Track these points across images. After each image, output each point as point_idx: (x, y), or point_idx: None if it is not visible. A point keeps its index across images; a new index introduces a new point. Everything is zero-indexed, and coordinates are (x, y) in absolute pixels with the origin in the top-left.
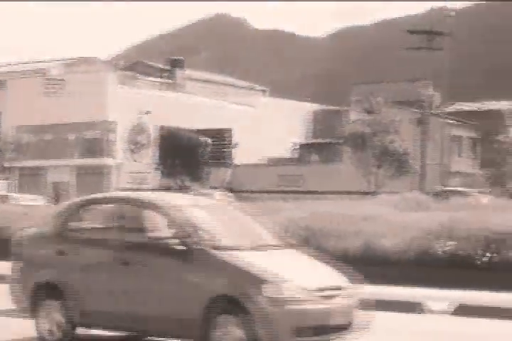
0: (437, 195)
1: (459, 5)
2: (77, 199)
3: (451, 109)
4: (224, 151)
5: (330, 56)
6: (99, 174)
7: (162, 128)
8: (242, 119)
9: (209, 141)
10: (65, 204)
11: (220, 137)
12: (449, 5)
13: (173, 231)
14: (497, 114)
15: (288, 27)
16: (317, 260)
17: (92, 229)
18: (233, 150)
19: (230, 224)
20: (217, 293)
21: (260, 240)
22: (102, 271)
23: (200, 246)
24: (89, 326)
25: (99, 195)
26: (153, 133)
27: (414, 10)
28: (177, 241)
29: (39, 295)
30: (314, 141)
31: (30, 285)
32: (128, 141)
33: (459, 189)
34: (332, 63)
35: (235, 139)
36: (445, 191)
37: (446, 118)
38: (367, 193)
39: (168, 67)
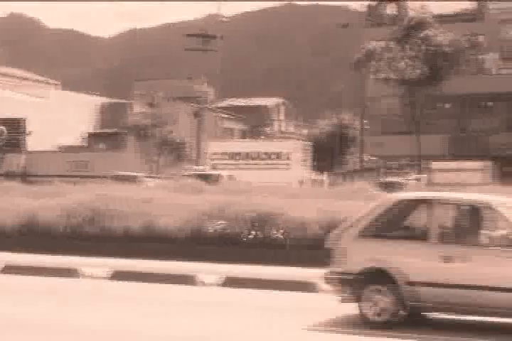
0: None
1: (234, 11)
2: None
3: (224, 104)
4: (18, 139)
5: (117, 55)
6: None
7: None
8: (36, 110)
9: (4, 129)
10: None
11: (15, 126)
12: (224, 11)
13: None
14: (264, 109)
15: (80, 27)
16: None
17: None
18: (27, 138)
19: None
20: None
21: None
22: None
23: None
24: None
25: None
26: None
27: (194, 15)
28: None
29: None
30: (102, 130)
31: None
32: None
33: (132, 174)
34: (119, 61)
35: (28, 128)
36: (116, 175)
37: (219, 112)
38: (148, 178)
39: None
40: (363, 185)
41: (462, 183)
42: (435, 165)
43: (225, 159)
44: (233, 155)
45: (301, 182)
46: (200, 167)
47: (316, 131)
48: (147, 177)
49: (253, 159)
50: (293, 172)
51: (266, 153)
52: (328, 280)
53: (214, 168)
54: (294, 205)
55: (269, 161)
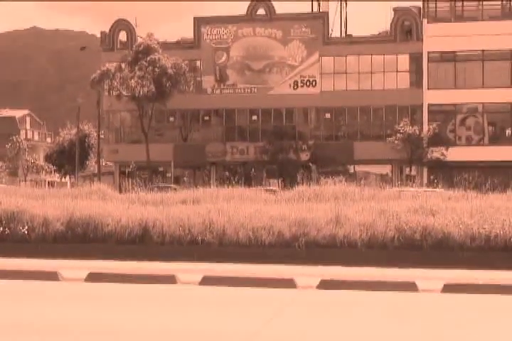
0: None
1: None
2: None
3: None
4: None
5: None
6: None
7: None
8: None
9: None
10: None
11: None
12: None
13: None
14: (11, 120)
15: None
16: None
17: None
18: None
19: None
20: None
21: None
22: None
23: None
24: None
25: None
26: None
27: None
28: None
29: None
30: None
31: None
32: None
33: None
34: None
35: None
36: None
37: None
38: None
39: None
40: (99, 186)
41: None
42: None
43: None
44: None
45: None
46: None
47: (59, 139)
48: None
49: None
50: None
51: None
52: None
53: None
54: (37, 204)
55: None
